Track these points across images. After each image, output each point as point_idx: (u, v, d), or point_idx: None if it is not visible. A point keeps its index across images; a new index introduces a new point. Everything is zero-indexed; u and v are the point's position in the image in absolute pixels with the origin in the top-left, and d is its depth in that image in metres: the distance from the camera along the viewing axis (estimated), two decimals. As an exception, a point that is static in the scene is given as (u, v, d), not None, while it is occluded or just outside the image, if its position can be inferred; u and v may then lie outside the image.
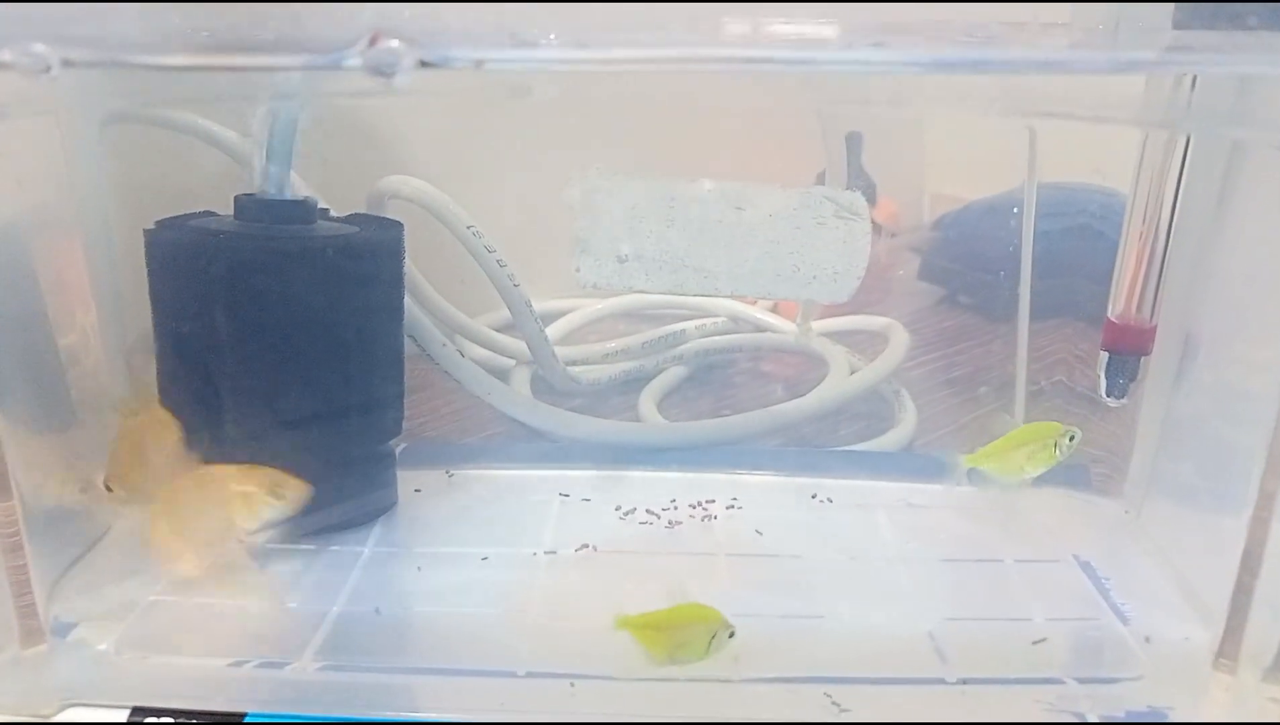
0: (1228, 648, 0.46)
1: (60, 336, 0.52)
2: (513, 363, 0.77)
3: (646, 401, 0.73)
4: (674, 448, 0.65)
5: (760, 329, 0.82)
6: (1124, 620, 0.50)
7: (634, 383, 0.77)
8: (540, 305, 0.80)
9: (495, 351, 0.77)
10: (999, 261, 0.70)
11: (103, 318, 0.55)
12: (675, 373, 0.78)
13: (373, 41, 0.33)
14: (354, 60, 0.34)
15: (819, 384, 0.74)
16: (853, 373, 0.75)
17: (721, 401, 0.77)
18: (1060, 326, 0.74)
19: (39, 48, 0.35)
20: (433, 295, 0.73)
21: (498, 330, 0.77)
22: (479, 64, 0.34)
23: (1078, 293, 0.66)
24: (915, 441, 0.71)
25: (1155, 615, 0.50)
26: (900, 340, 0.78)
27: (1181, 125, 0.51)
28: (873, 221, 0.93)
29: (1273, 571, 0.45)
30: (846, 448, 0.68)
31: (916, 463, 0.65)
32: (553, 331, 0.82)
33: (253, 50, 0.35)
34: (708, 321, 0.81)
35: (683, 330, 0.80)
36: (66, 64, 0.35)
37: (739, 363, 0.83)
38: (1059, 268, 0.69)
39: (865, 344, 0.82)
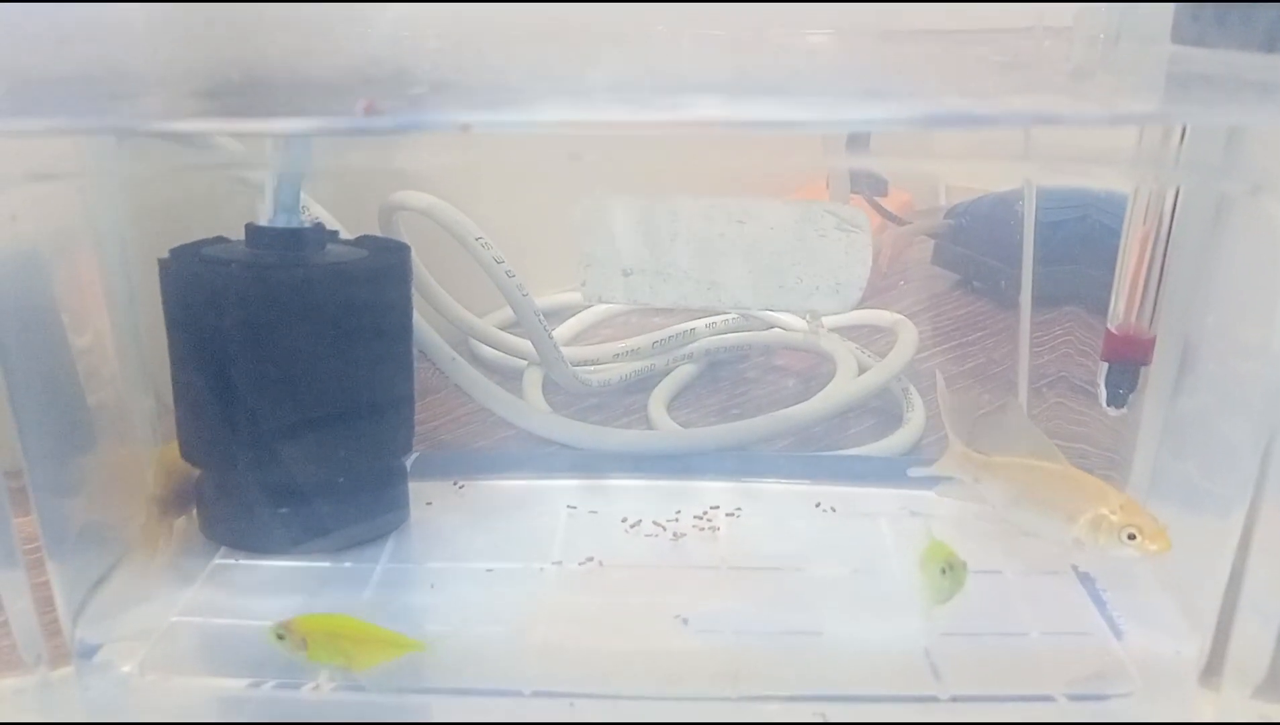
0: (1214, 664, 0.47)
1: (79, 359, 0.54)
2: (525, 364, 0.78)
3: (656, 403, 0.74)
4: (682, 454, 0.66)
5: (771, 326, 0.83)
6: (1119, 635, 0.51)
7: (645, 381, 0.78)
8: (552, 299, 0.81)
9: (508, 352, 0.79)
10: (1009, 250, 0.70)
11: (119, 339, 0.57)
12: (685, 371, 0.79)
13: (366, 110, 0.34)
14: (347, 126, 0.35)
15: (827, 384, 0.75)
16: (862, 372, 0.76)
17: (732, 400, 0.78)
18: (1069, 315, 0.74)
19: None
20: (447, 300, 0.74)
21: (510, 326, 0.78)
22: (465, 127, 0.35)
23: (1083, 281, 0.66)
24: (924, 438, 0.72)
25: (1149, 629, 0.51)
26: (909, 338, 0.78)
27: (1171, 176, 0.52)
28: (884, 209, 0.94)
29: (1263, 586, 0.46)
30: (852, 452, 0.69)
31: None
32: (564, 330, 0.83)
33: (253, 115, 0.37)
34: (718, 319, 0.82)
35: (693, 328, 0.80)
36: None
37: (750, 358, 0.83)
38: (1064, 257, 0.70)
39: (877, 338, 0.82)
